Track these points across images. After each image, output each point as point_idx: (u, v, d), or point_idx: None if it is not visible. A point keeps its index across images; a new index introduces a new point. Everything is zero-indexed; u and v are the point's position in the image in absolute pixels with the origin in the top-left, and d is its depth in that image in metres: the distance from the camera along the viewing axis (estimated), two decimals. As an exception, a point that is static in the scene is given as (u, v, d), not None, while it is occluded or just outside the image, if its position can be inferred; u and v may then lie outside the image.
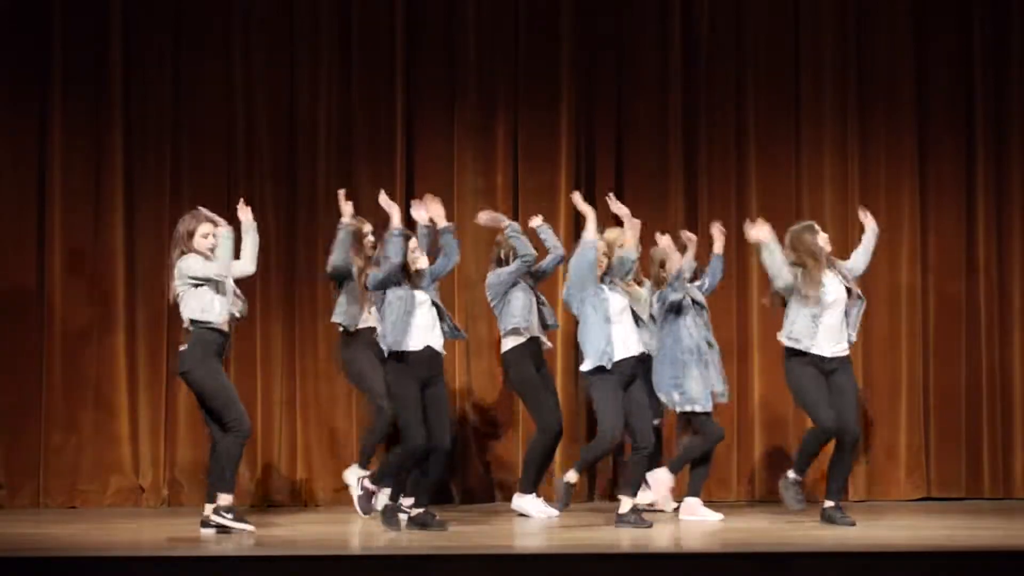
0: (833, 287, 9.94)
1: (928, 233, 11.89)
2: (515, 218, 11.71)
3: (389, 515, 9.69)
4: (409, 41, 11.76)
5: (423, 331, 9.64)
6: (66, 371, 11.45)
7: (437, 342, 9.71)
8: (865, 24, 11.89)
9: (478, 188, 11.80)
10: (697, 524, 10.16)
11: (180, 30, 11.68)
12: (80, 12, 11.59)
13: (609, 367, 9.80)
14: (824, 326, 9.87)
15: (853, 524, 9.80)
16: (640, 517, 9.89)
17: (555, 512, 10.48)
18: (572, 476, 9.95)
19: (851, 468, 10.18)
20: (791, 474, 9.94)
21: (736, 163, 11.86)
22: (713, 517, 10.32)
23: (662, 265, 10.46)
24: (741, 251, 11.77)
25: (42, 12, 11.54)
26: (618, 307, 9.95)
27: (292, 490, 11.52)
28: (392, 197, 11.63)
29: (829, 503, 9.97)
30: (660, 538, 9.54)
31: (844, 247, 11.80)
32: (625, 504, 9.90)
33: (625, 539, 9.43)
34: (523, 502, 10.63)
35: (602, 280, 9.97)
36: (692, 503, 10.39)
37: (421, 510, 9.76)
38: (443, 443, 9.66)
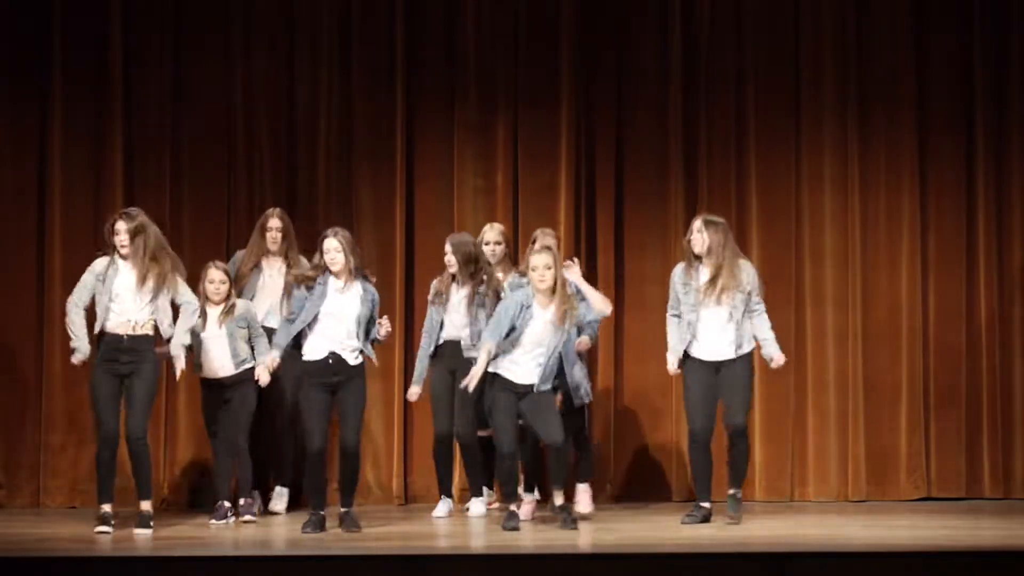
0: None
1: (928, 233, 11.87)
2: (515, 217, 11.72)
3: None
4: (409, 41, 11.75)
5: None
6: (66, 371, 11.43)
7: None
8: (865, 24, 11.88)
9: (478, 188, 11.79)
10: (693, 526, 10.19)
11: (180, 30, 11.67)
12: (80, 12, 11.58)
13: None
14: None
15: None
16: (570, 516, 9.92)
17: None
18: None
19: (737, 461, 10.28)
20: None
21: (736, 163, 11.84)
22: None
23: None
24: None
25: (42, 11, 11.53)
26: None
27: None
28: (392, 197, 11.73)
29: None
30: (659, 538, 9.54)
31: (843, 246, 11.83)
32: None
33: (624, 539, 9.42)
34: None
35: None
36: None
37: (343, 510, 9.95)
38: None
